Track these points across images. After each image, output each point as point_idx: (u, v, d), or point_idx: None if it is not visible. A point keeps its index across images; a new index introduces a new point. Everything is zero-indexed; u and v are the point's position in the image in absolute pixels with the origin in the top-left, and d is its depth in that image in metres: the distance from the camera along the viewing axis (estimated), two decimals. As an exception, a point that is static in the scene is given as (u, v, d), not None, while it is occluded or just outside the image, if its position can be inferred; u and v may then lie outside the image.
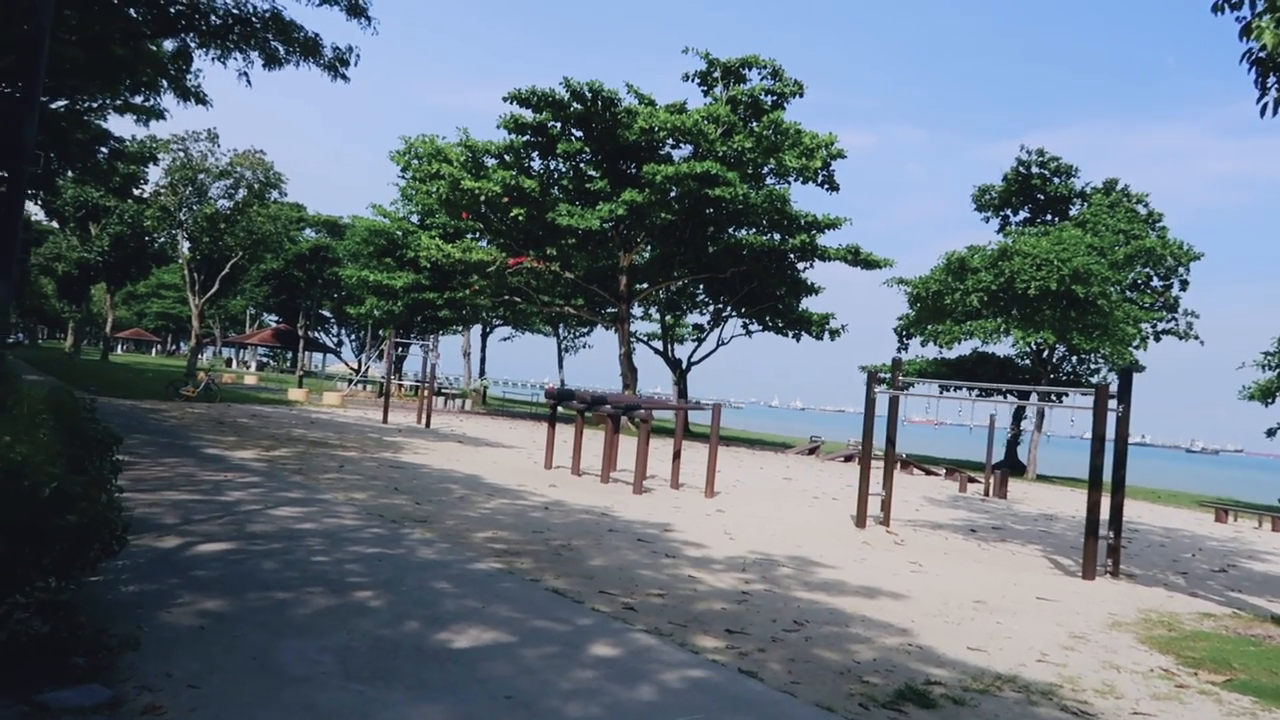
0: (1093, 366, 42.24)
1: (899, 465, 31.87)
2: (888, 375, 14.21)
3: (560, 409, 20.02)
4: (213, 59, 20.09)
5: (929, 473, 30.30)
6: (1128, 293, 40.60)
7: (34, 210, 54.88)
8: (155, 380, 34.73)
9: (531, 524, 10.66)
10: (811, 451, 35.04)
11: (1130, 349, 37.55)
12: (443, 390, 42.47)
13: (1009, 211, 45.21)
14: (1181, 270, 41.88)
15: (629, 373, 35.19)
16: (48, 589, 4.73)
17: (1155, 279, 42.47)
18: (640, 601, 7.32)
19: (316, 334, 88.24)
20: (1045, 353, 39.62)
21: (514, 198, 32.28)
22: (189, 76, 22.40)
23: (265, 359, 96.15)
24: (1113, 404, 11.16)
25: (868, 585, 8.93)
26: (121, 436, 7.61)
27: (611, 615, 6.75)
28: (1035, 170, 43.36)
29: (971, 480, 26.23)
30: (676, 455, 16.68)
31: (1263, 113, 8.88)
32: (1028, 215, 44.87)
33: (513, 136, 33.30)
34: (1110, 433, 11.24)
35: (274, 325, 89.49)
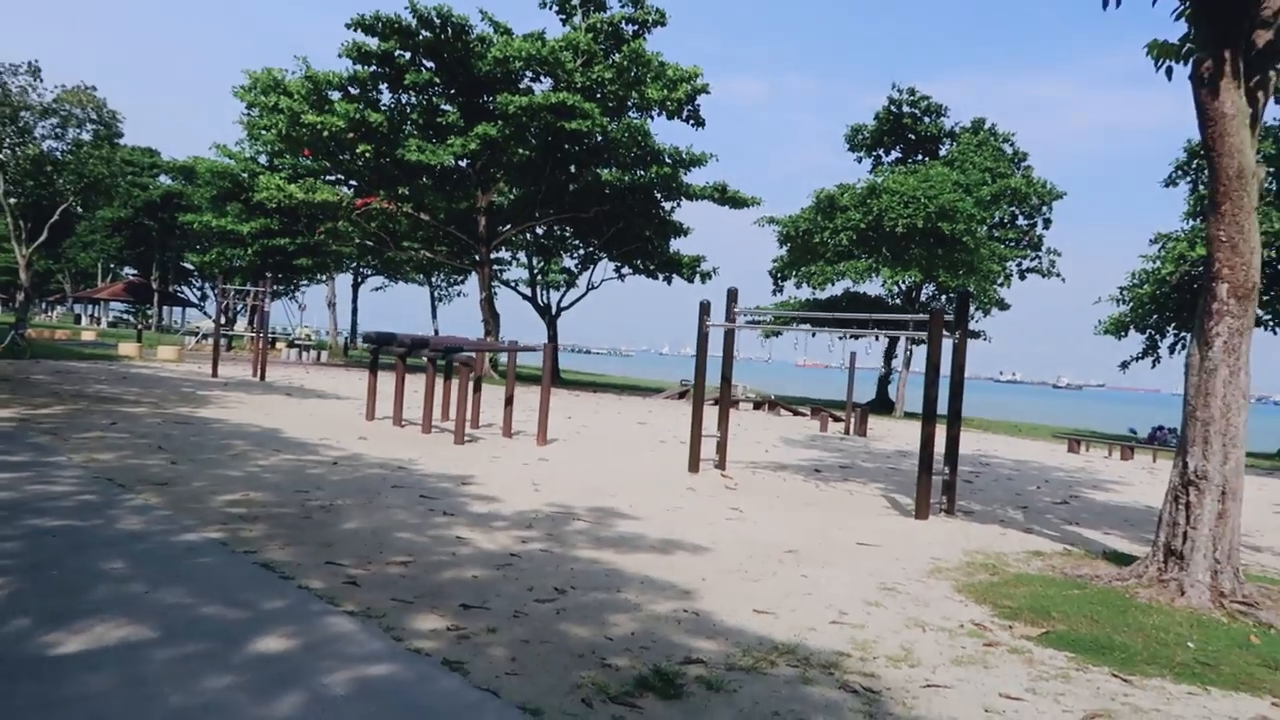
0: (961, 305, 42.70)
1: (767, 406, 31.50)
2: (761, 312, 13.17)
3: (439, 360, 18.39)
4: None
5: (796, 413, 29.91)
6: (993, 231, 41.00)
7: None
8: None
9: (302, 482, 9.23)
10: (681, 395, 34.28)
11: (996, 286, 38.01)
12: (295, 342, 40.00)
13: (881, 151, 44.99)
14: (1045, 209, 42.52)
15: (490, 318, 33.60)
16: None
17: (1020, 217, 43.03)
18: (374, 573, 6.04)
19: (178, 288, 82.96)
20: (914, 292, 39.69)
21: (360, 133, 30.04)
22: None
23: (126, 315, 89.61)
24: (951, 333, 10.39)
25: (668, 538, 7.87)
26: None
27: (320, 593, 5.46)
28: (906, 110, 43.10)
29: (835, 419, 25.84)
30: (509, 401, 15.38)
31: (1105, 4, 8.03)
32: (899, 155, 44.72)
33: (358, 67, 30.90)
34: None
35: (128, 279, 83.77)
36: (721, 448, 12.93)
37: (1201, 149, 7.12)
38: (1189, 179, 30.63)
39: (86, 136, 49.35)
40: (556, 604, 5.64)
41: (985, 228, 38.54)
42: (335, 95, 30.96)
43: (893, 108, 42.82)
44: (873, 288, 41.18)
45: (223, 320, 28.71)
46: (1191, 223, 29.58)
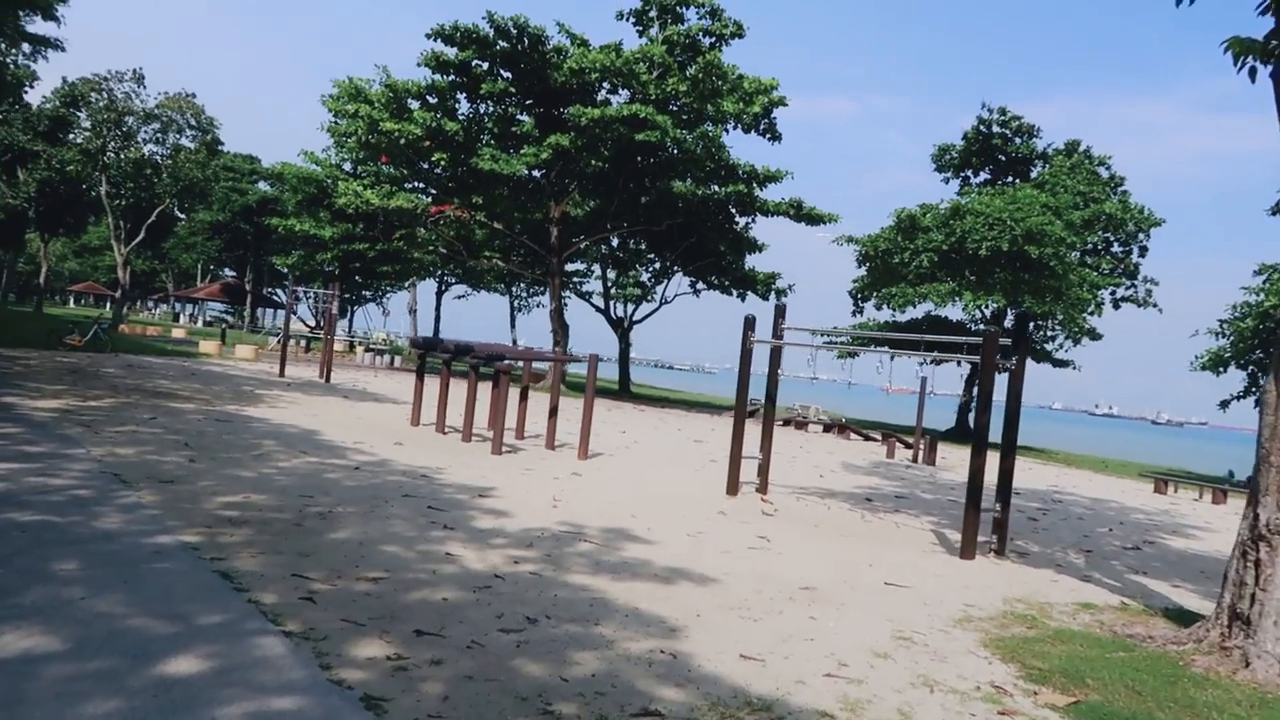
0: (1049, 333, 40.94)
1: (837, 430, 30.53)
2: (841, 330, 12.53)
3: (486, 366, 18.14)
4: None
5: (867, 438, 28.91)
6: (1086, 257, 39.17)
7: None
8: (58, 331, 32.56)
9: (312, 487, 8.95)
10: (751, 414, 33.48)
11: (1085, 314, 36.17)
12: (371, 346, 40.53)
13: (969, 172, 43.53)
14: (1142, 235, 40.47)
15: (559, 329, 33.41)
16: None
17: (1115, 244, 41.05)
18: (339, 588, 5.65)
19: (271, 290, 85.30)
20: (1000, 318, 38.08)
21: (436, 141, 30.23)
22: None
23: (224, 315, 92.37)
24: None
25: (676, 567, 7.30)
26: None
27: (267, 609, 5.07)
28: (996, 130, 41.64)
29: (906, 445, 24.80)
30: (552, 412, 15.01)
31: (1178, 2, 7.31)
32: (988, 176, 43.18)
33: (436, 76, 31.14)
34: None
35: (225, 280, 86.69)
36: (763, 470, 12.28)
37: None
38: (1299, 206, 28.71)
39: (186, 142, 51.28)
40: (522, 635, 5.15)
41: (1077, 253, 36.84)
42: (414, 104, 31.24)
43: (982, 128, 41.41)
44: (955, 312, 39.71)
45: (313, 323, 29.11)
46: (1301, 252, 27.66)
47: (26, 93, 47.43)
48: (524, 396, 15.99)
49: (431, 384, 16.91)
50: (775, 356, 12.00)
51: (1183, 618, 7.27)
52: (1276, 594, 5.81)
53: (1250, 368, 29.76)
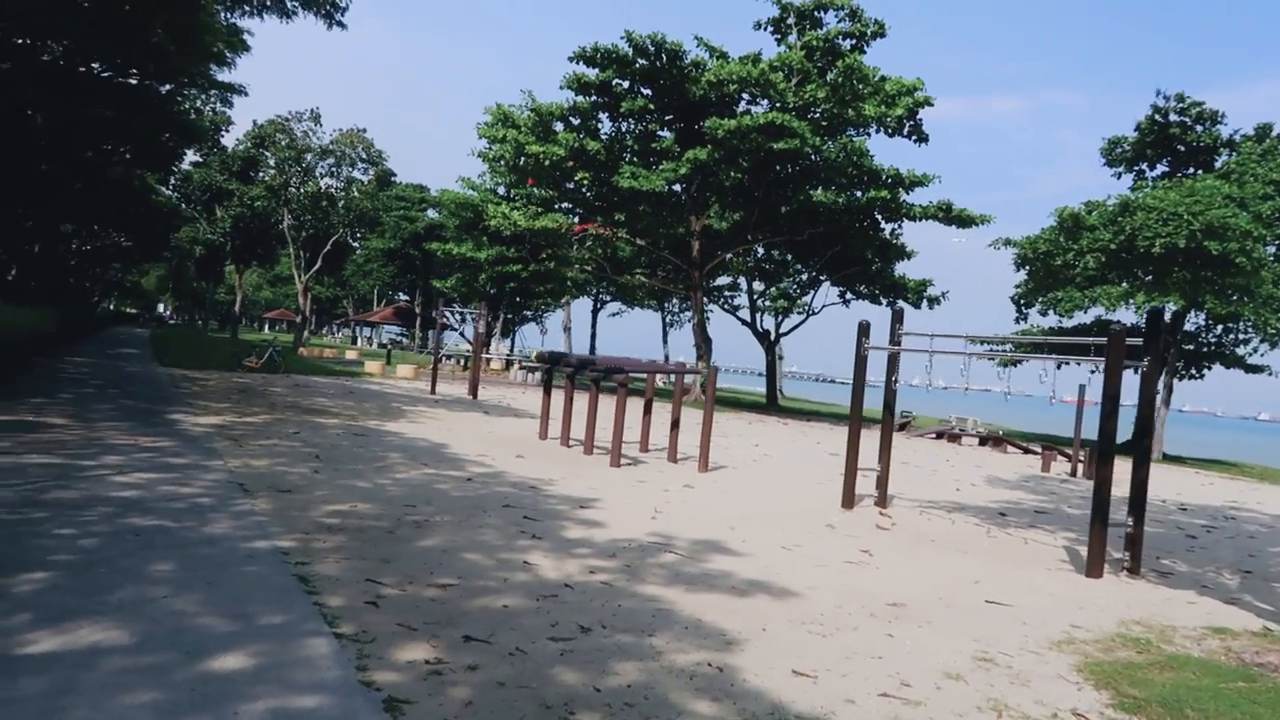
0: (1242, 337, 37.61)
1: (992, 443, 29.04)
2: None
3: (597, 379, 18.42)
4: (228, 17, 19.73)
5: (1026, 450, 27.35)
6: (1281, 253, 35.73)
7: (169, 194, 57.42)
8: (239, 354, 35.28)
9: (418, 497, 9.28)
10: (901, 428, 32.35)
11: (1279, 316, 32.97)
12: (523, 364, 41.75)
13: (1144, 165, 40.57)
14: (1347, 229, 36.55)
15: (702, 342, 33.41)
16: None
17: (1316, 239, 37.25)
18: (407, 594, 5.81)
19: (440, 312, 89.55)
20: (1179, 320, 35.24)
21: (579, 161, 30.97)
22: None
23: (399, 337, 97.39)
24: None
25: (758, 579, 7.11)
26: None
27: (328, 612, 5.27)
28: (1174, 118, 38.64)
29: (1066, 458, 23.32)
30: (675, 425, 14.96)
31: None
32: (1166, 169, 40.11)
33: (578, 98, 31.92)
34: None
35: (397, 304, 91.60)
36: (881, 482, 11.82)
37: None
38: None
39: (358, 174, 54.75)
40: (570, 644, 5.13)
41: (1272, 248, 33.62)
42: (558, 126, 32.12)
43: (1157, 117, 38.49)
44: (1129, 316, 37.03)
45: (495, 345, 30.33)
46: None
47: (221, 137, 51.75)
48: (647, 409, 16.05)
49: (562, 398, 17.21)
50: (892, 363, 11.55)
51: (1334, 647, 6.45)
52: None
53: None
